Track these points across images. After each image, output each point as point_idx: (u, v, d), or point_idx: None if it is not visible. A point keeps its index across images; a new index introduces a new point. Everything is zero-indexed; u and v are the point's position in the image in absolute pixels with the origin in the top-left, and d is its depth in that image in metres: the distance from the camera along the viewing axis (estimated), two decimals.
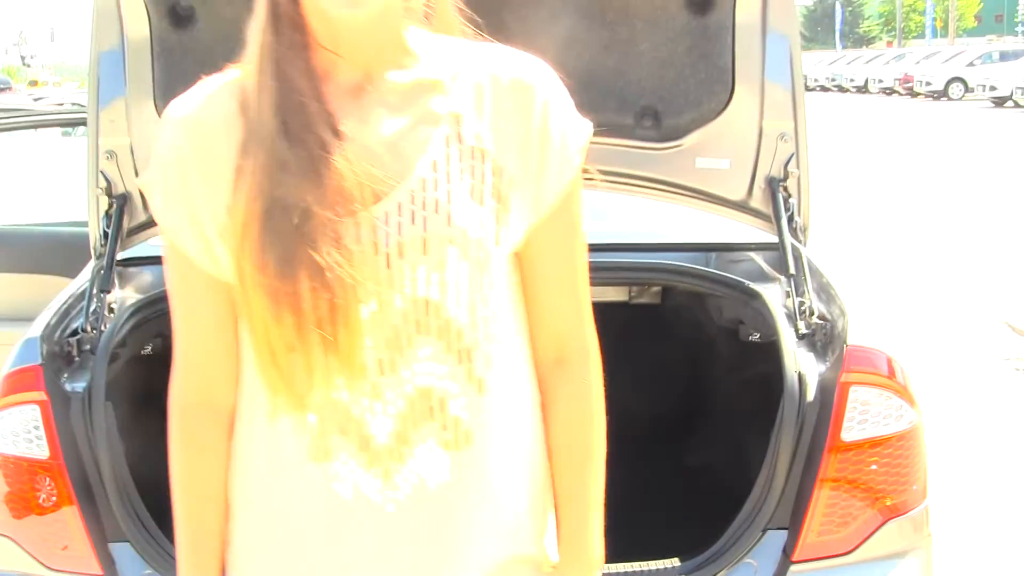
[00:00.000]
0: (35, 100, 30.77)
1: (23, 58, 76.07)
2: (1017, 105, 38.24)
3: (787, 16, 3.17)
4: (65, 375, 2.88)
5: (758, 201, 3.35)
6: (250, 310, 1.63)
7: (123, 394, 2.95)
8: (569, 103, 1.76)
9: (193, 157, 1.69)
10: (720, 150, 3.31)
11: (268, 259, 1.59)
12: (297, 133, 1.62)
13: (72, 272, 4.87)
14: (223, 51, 3.09)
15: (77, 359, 2.96)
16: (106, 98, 3.25)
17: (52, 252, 5.18)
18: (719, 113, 3.25)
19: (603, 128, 3.01)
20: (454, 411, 1.69)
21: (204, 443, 1.81)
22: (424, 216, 1.64)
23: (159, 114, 3.19)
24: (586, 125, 1.77)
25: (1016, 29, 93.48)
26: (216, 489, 1.82)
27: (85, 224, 5.16)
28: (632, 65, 3.21)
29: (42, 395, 2.78)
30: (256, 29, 1.66)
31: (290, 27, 1.66)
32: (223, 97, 1.70)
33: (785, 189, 3.29)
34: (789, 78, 3.20)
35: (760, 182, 3.33)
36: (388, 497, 1.70)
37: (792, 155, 3.26)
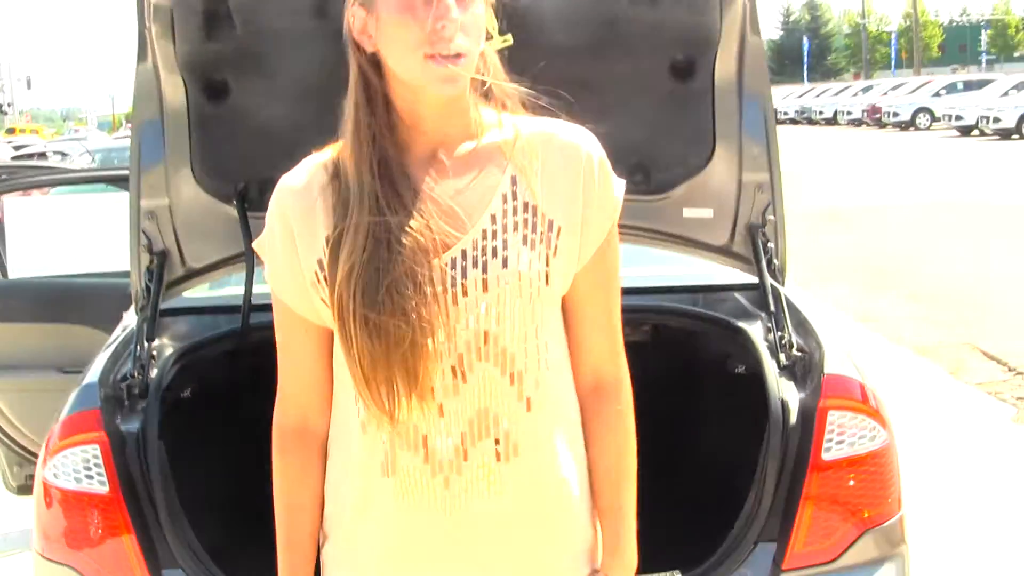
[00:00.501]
0: (16, 149, 30.69)
1: (0, 106, 75.73)
2: (982, 133, 38.52)
3: (760, 80, 3.36)
4: (119, 417, 3.13)
5: (739, 246, 3.56)
6: (347, 339, 1.95)
7: (167, 433, 3.17)
8: (608, 165, 2.07)
9: (295, 218, 2.02)
10: (704, 201, 3.51)
11: (362, 298, 1.91)
12: (389, 195, 1.95)
13: (88, 321, 5.15)
14: (254, 120, 3.40)
15: (127, 402, 3.20)
16: (147, 164, 3.44)
17: (69, 302, 5.39)
18: (702, 168, 3.44)
19: None
20: (505, 426, 1.99)
21: (299, 461, 2.13)
22: (484, 260, 1.96)
23: (195, 178, 3.44)
24: (621, 183, 2.09)
25: (979, 59, 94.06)
26: (309, 499, 2.13)
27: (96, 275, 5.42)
28: (623, 126, 3.33)
29: (102, 435, 3.03)
30: (351, 109, 1.99)
31: (383, 108, 1.99)
32: (320, 170, 2.03)
33: (764, 234, 3.49)
34: (764, 135, 3.39)
35: (741, 229, 3.53)
36: (448, 504, 2.00)
37: (769, 203, 3.46)
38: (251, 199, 3.42)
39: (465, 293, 1.95)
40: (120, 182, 5.81)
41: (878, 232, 16.33)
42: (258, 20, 3.28)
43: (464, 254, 1.96)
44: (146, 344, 3.38)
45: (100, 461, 3.01)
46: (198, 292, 3.91)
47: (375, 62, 1.98)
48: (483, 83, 2.04)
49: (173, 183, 3.48)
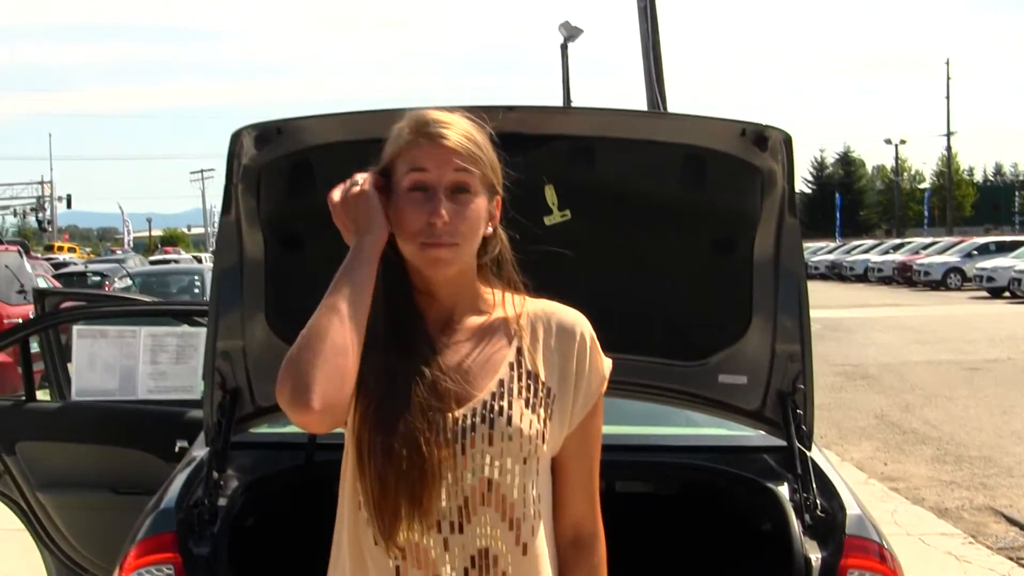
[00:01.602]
0: (55, 267, 31.18)
1: (40, 223, 76.84)
2: (1013, 296, 38.63)
3: (796, 258, 3.61)
4: (191, 541, 3.38)
5: (770, 412, 3.75)
6: (362, 463, 2.25)
7: (233, 558, 3.44)
8: (597, 345, 2.40)
9: None
10: (739, 368, 3.73)
11: (379, 436, 2.23)
12: (404, 348, 2.28)
13: (142, 446, 5.39)
14: (327, 270, 3.68)
15: (198, 527, 3.44)
16: (225, 307, 3.70)
17: (125, 427, 5.63)
18: (739, 337, 3.69)
19: (643, 348, 3.60)
20: (502, 567, 2.28)
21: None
22: (491, 418, 2.28)
23: (269, 324, 3.71)
24: (608, 362, 2.42)
25: (1013, 219, 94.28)
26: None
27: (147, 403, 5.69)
28: (667, 295, 3.71)
29: (177, 557, 3.31)
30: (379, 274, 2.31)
31: (399, 277, 2.33)
32: None
33: (793, 402, 3.69)
34: (798, 308, 3.61)
35: (772, 396, 3.72)
36: None
37: (800, 373, 3.66)
38: None
39: (473, 445, 2.26)
40: (183, 316, 6.13)
41: (904, 391, 16.46)
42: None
43: (474, 411, 2.28)
44: (215, 474, 3.62)
45: None
46: (264, 428, 4.16)
47: (393, 239, 2.33)
48: (496, 262, 2.39)
49: (248, 327, 3.74)
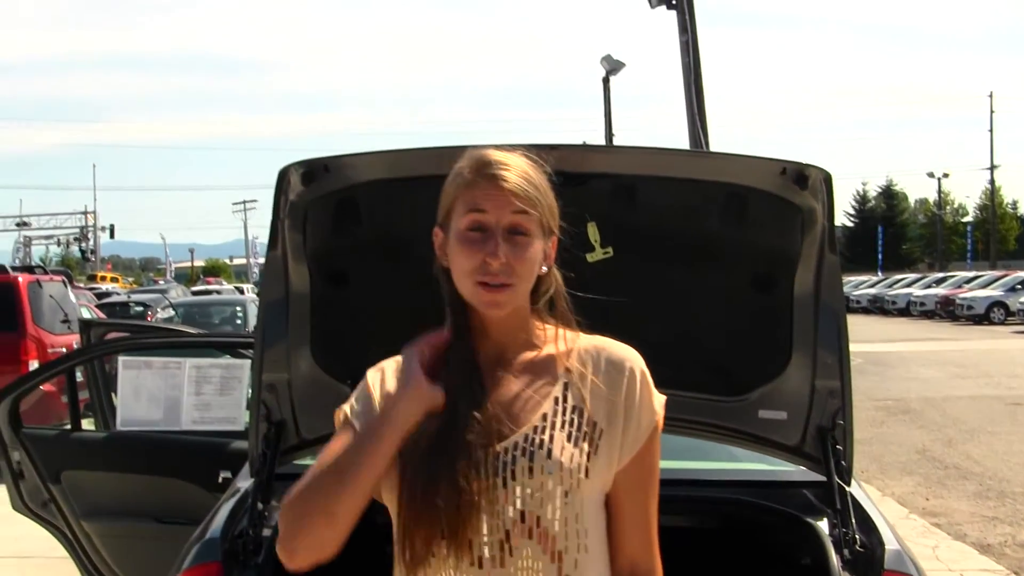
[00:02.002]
0: (98, 297, 31.43)
1: (83, 252, 77.49)
2: None
3: (836, 294, 3.62)
4: (236, 571, 3.44)
5: (810, 447, 3.77)
6: (399, 495, 2.28)
7: None
8: (650, 381, 2.40)
9: (378, 397, 2.36)
10: (779, 404, 3.76)
11: (420, 472, 2.25)
12: (460, 387, 2.31)
13: (184, 476, 5.46)
14: (369, 307, 3.73)
15: (242, 557, 3.50)
16: (270, 340, 3.75)
17: (168, 457, 5.71)
18: (779, 374, 3.72)
19: (684, 383, 3.63)
20: None
21: None
22: (531, 451, 2.29)
23: (314, 357, 3.77)
24: (661, 399, 2.41)
25: None
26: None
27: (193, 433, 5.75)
28: (708, 331, 3.76)
29: None
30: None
31: (457, 316, 2.37)
32: (394, 366, 2.39)
33: (833, 437, 3.70)
34: (837, 345, 3.61)
35: (812, 431, 3.74)
36: None
37: (839, 408, 3.67)
38: None
39: (514, 478, 2.27)
40: (227, 348, 6.21)
41: (946, 426, 16.34)
42: (383, 219, 3.63)
43: (516, 445, 2.29)
44: (260, 505, 3.67)
45: None
46: (308, 460, 4.20)
47: (451, 275, 2.37)
48: (548, 301, 2.40)
49: (293, 360, 3.79)
